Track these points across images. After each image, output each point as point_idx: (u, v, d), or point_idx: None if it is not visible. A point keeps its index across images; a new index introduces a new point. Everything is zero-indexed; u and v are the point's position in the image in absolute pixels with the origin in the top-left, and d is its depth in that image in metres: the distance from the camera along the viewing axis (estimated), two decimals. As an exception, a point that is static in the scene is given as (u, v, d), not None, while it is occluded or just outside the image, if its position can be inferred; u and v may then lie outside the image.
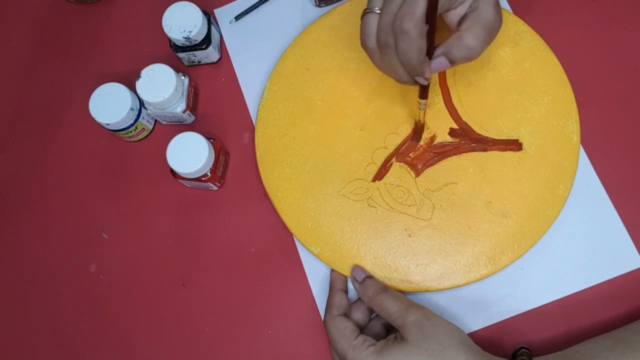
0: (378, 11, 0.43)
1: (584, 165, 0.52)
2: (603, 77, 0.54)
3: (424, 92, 0.47)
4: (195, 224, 0.54)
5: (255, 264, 0.53)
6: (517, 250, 0.49)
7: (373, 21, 0.43)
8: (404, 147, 0.52)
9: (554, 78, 0.53)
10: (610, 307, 0.49)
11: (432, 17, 0.41)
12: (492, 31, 0.44)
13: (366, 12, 0.44)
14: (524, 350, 0.48)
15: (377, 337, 0.46)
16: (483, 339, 0.49)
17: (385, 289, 0.46)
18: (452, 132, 0.52)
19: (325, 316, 0.47)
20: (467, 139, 0.52)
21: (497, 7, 0.44)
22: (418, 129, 0.52)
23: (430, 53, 0.43)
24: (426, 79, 0.45)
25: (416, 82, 0.45)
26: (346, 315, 0.47)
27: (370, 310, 0.48)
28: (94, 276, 0.54)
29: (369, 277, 0.48)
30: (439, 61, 0.44)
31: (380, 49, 0.44)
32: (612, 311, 0.49)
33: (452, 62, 0.44)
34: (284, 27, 0.58)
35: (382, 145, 0.53)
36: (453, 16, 0.44)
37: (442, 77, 0.54)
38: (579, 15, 0.56)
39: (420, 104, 0.49)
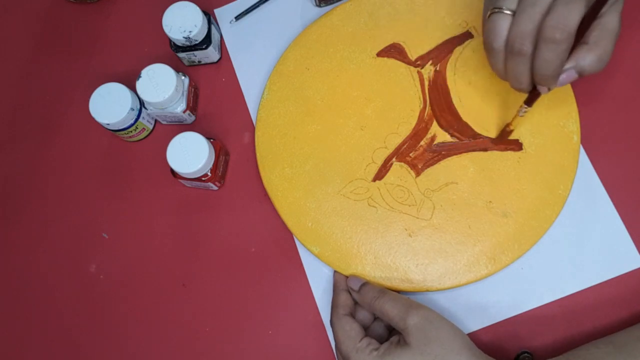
0: (508, 12, 0.41)
1: (584, 165, 0.52)
2: (603, 77, 0.54)
3: (532, 100, 0.46)
4: (195, 224, 0.54)
5: (255, 264, 0.53)
6: (517, 250, 0.49)
7: (503, 22, 0.41)
8: (404, 147, 0.52)
9: (554, 78, 0.53)
10: (610, 306, 0.49)
11: (584, 30, 0.40)
12: (616, 39, 0.42)
13: (494, 12, 0.42)
14: (526, 354, 0.48)
15: (380, 339, 0.46)
16: (484, 341, 0.49)
17: (383, 292, 0.46)
18: (452, 132, 0.52)
19: (331, 316, 0.47)
20: (467, 139, 0.52)
21: (620, 15, 0.42)
22: (505, 133, 0.51)
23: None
24: (549, 89, 0.43)
25: (533, 90, 0.44)
26: (352, 314, 0.47)
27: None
28: (94, 276, 0.54)
29: (365, 283, 0.48)
30: (569, 74, 0.42)
31: (510, 54, 0.42)
32: (612, 311, 0.49)
33: (581, 75, 0.42)
34: (284, 27, 0.58)
35: (382, 145, 0.53)
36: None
37: (443, 77, 0.54)
38: (579, 15, 0.56)
39: (522, 109, 0.48)
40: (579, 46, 0.42)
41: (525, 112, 0.48)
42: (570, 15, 0.38)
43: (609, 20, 0.41)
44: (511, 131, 0.51)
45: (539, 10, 0.39)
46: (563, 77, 0.42)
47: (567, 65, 0.42)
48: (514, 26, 0.41)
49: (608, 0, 0.39)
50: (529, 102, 0.47)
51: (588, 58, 0.41)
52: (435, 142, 0.52)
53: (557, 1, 0.39)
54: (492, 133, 0.52)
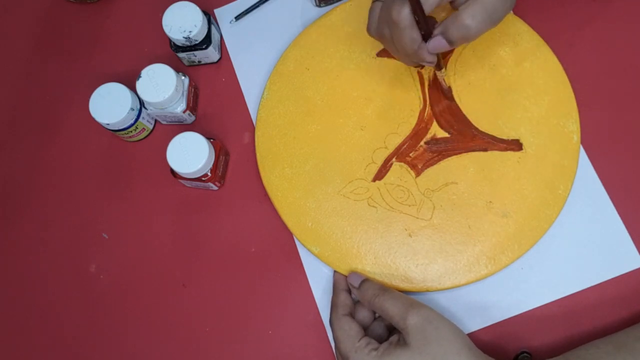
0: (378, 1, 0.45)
1: (584, 165, 0.52)
2: (603, 77, 0.54)
3: (437, 65, 0.48)
4: (195, 224, 0.54)
5: (255, 264, 0.53)
6: (517, 250, 0.49)
7: (377, 11, 0.46)
8: (404, 147, 0.52)
9: (554, 78, 0.53)
10: (610, 306, 0.49)
11: (417, 8, 0.42)
12: (493, 12, 0.43)
13: (374, 1, 0.46)
14: (525, 354, 0.48)
15: (380, 339, 0.46)
16: (483, 342, 0.49)
17: (383, 289, 0.46)
18: (452, 132, 0.52)
19: (331, 316, 0.47)
20: (467, 138, 0.52)
21: None
22: (446, 92, 0.53)
23: (427, 38, 0.44)
24: (430, 62, 0.46)
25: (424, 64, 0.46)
26: (352, 314, 0.47)
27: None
28: (94, 276, 0.54)
29: (366, 280, 0.48)
30: (436, 41, 0.44)
31: (380, 38, 0.47)
32: (612, 311, 0.49)
33: (450, 43, 0.44)
34: (284, 27, 0.58)
35: (382, 145, 0.53)
36: (458, 3, 0.44)
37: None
38: (579, 15, 0.56)
39: (439, 75, 0.50)
40: (451, 14, 0.44)
41: (443, 75, 0.50)
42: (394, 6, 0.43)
43: None
44: (450, 88, 0.53)
45: None
46: (433, 42, 0.44)
47: (435, 32, 0.44)
48: (379, 13, 0.46)
49: None
50: (437, 68, 0.49)
51: (453, 24, 0.43)
52: (435, 139, 0.52)
53: None
54: (492, 133, 0.52)
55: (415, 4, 0.42)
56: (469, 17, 0.42)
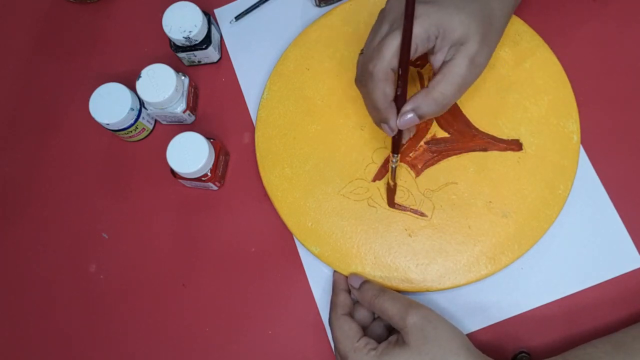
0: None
1: (584, 165, 0.52)
2: (603, 77, 0.54)
3: (395, 146, 0.47)
4: (195, 224, 0.54)
5: (255, 264, 0.53)
6: (517, 250, 0.49)
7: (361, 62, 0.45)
8: (404, 147, 0.52)
9: (554, 78, 0.53)
10: (610, 306, 0.49)
11: (404, 64, 0.41)
12: (463, 85, 0.42)
13: (360, 54, 0.46)
14: (523, 354, 0.48)
15: (379, 339, 0.46)
16: (482, 342, 0.49)
17: (383, 290, 0.46)
18: (452, 132, 0.52)
19: (330, 315, 0.48)
20: (467, 138, 0.52)
21: (474, 59, 0.42)
22: (390, 191, 0.50)
23: (401, 102, 0.43)
24: (391, 129, 0.44)
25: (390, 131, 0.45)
26: (351, 314, 0.47)
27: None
28: (94, 276, 0.54)
29: (366, 281, 0.48)
30: (408, 117, 0.43)
31: (359, 90, 0.45)
32: (612, 311, 0.49)
33: (421, 117, 0.43)
34: (284, 27, 0.58)
35: (382, 145, 0.53)
36: (435, 61, 0.44)
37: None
38: (579, 15, 0.56)
39: (391, 160, 0.48)
40: (420, 90, 0.43)
41: (395, 162, 0.48)
42: (384, 49, 0.41)
43: (455, 64, 0.42)
44: (395, 186, 0.50)
45: (373, 46, 0.43)
46: (404, 119, 0.43)
47: (406, 108, 0.43)
48: (360, 63, 0.45)
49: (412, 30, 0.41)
50: (393, 148, 0.47)
51: (424, 101, 0.42)
52: (435, 139, 0.52)
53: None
54: (492, 133, 0.52)
55: (404, 55, 0.41)
56: (440, 94, 0.42)
